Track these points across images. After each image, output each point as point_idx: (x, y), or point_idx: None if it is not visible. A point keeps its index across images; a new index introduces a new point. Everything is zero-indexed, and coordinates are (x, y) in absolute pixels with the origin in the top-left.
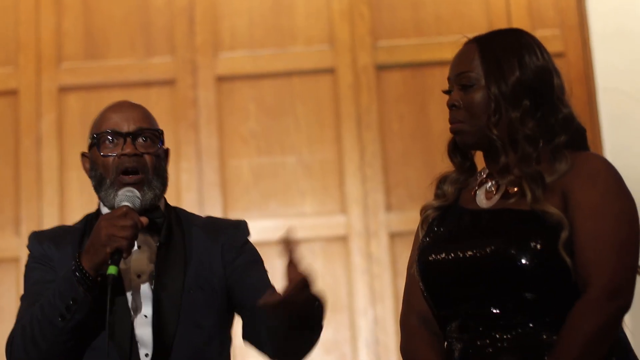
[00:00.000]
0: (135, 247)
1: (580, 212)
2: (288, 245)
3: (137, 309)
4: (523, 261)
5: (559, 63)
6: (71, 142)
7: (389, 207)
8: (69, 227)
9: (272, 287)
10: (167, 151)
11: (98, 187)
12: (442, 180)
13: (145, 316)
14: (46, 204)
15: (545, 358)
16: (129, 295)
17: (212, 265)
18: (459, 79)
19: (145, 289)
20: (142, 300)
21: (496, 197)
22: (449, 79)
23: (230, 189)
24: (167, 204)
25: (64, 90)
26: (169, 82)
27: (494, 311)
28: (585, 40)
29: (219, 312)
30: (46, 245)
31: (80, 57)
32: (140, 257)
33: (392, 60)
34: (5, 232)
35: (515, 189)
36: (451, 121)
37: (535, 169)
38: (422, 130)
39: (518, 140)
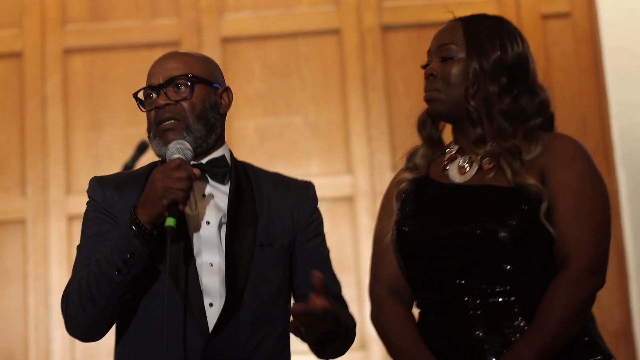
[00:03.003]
0: (206, 194)
1: (559, 192)
2: (319, 287)
3: (202, 256)
4: (503, 236)
5: (564, 23)
6: (76, 103)
7: (394, 167)
8: (133, 172)
9: (328, 272)
10: (222, 91)
11: (149, 139)
12: (412, 154)
13: (211, 264)
14: (52, 165)
15: (514, 329)
16: (194, 241)
17: (282, 222)
18: (440, 50)
19: (213, 237)
20: (209, 248)
21: (470, 173)
22: (429, 51)
23: (236, 149)
24: (233, 157)
25: (68, 52)
26: (174, 44)
27: (469, 282)
28: None
29: (285, 269)
30: (109, 192)
31: (85, 19)
32: (209, 204)
33: (398, 21)
34: (11, 194)
35: (490, 165)
36: (426, 89)
37: (513, 144)
38: None
39: (494, 115)
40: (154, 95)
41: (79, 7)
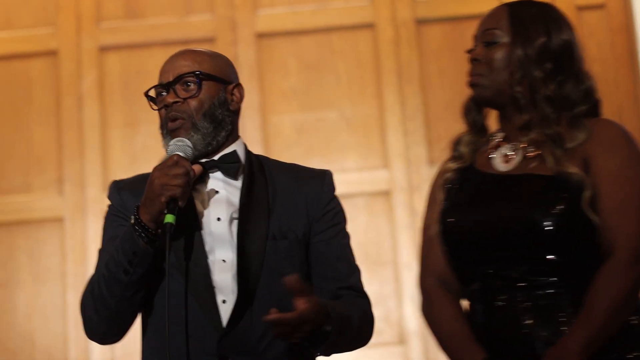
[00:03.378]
0: (217, 190)
1: (603, 178)
2: (296, 290)
3: (215, 253)
4: (546, 225)
5: (599, 14)
6: (112, 101)
7: (431, 161)
8: (149, 174)
9: (346, 261)
10: (232, 87)
11: (162, 137)
12: (457, 142)
13: (224, 261)
14: (89, 163)
15: (563, 319)
16: (206, 238)
17: (296, 213)
18: (484, 35)
19: (225, 233)
20: (221, 244)
21: (515, 161)
22: (475, 36)
23: (272, 145)
24: (248, 151)
25: (104, 49)
26: (209, 40)
27: (516, 273)
28: None
29: (301, 261)
30: (125, 195)
31: (120, 17)
32: (220, 200)
33: (432, 14)
34: (48, 192)
35: (534, 153)
36: (470, 74)
37: (556, 130)
38: (463, 83)
39: (538, 101)
40: (164, 94)
41: (113, 5)
